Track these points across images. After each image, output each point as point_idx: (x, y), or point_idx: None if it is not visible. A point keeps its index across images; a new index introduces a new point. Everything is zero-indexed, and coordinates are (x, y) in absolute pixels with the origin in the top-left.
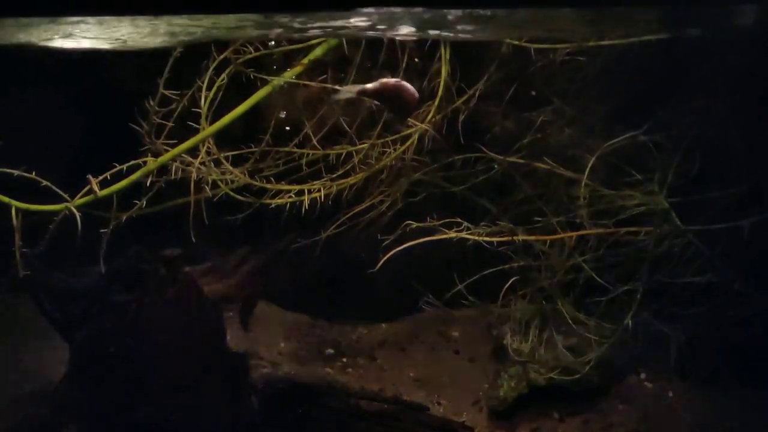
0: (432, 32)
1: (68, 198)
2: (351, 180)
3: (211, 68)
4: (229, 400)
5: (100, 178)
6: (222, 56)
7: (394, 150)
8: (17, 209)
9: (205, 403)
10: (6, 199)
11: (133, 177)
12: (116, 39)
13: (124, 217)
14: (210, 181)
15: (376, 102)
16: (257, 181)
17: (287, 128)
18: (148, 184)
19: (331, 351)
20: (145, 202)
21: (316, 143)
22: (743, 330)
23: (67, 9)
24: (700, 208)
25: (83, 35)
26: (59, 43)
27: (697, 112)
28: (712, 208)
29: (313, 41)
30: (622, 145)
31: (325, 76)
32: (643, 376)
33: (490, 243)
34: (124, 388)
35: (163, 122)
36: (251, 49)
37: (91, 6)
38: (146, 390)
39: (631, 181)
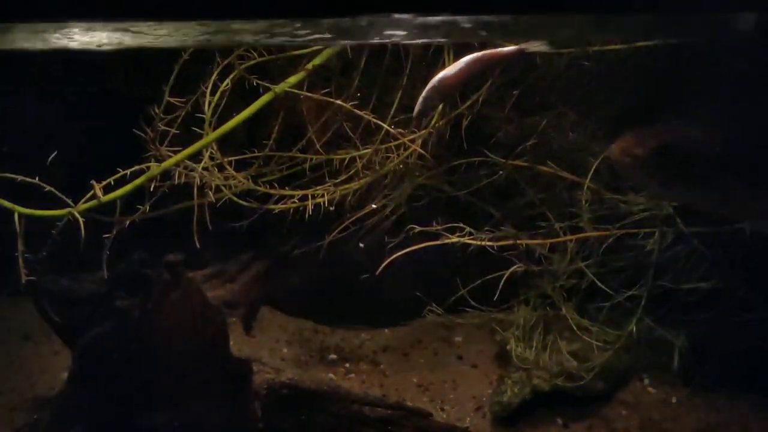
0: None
1: (71, 203)
2: (354, 185)
3: (215, 73)
4: (231, 406)
5: (104, 183)
6: (226, 61)
7: (398, 155)
8: (20, 214)
9: (207, 409)
10: (9, 204)
11: (137, 182)
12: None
13: (128, 222)
14: (213, 187)
15: None
16: (261, 186)
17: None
18: (151, 189)
19: (333, 356)
20: (148, 208)
21: (319, 148)
22: (747, 336)
23: (75, 14)
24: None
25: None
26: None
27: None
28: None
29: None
30: None
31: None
32: (646, 381)
33: (493, 248)
34: (126, 393)
35: (167, 128)
36: (255, 54)
37: (101, 11)
38: (149, 395)
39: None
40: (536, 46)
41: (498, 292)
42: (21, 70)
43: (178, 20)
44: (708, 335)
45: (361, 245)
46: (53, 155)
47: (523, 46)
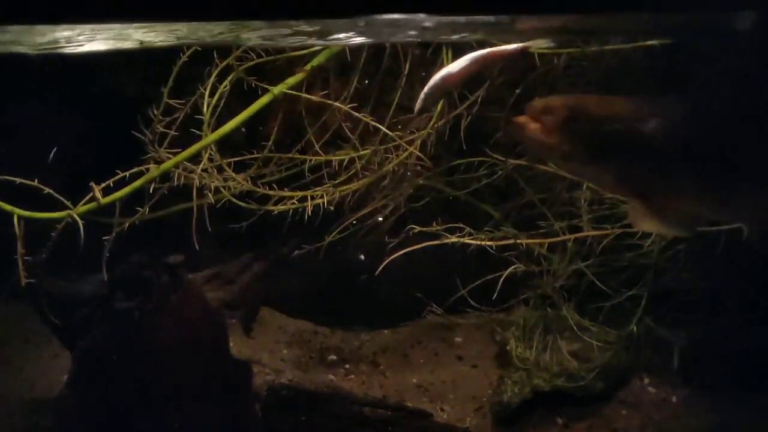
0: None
1: (71, 205)
2: (353, 186)
3: (214, 75)
4: (232, 408)
5: (103, 185)
6: (224, 63)
7: (397, 156)
8: (19, 217)
9: (207, 411)
10: (8, 207)
11: (136, 184)
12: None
13: (127, 224)
14: (213, 188)
15: None
16: (260, 187)
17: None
18: (150, 191)
19: (333, 357)
20: (147, 209)
21: (318, 149)
22: (747, 335)
23: (69, 16)
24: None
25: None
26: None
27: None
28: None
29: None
30: None
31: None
32: (646, 381)
33: (493, 248)
34: (126, 396)
35: (166, 130)
36: (253, 55)
37: (100, 12)
38: (149, 398)
39: None
40: (538, 45)
41: (498, 293)
42: (18, 71)
43: (178, 21)
44: (708, 335)
45: (362, 257)
46: (52, 153)
47: (525, 44)
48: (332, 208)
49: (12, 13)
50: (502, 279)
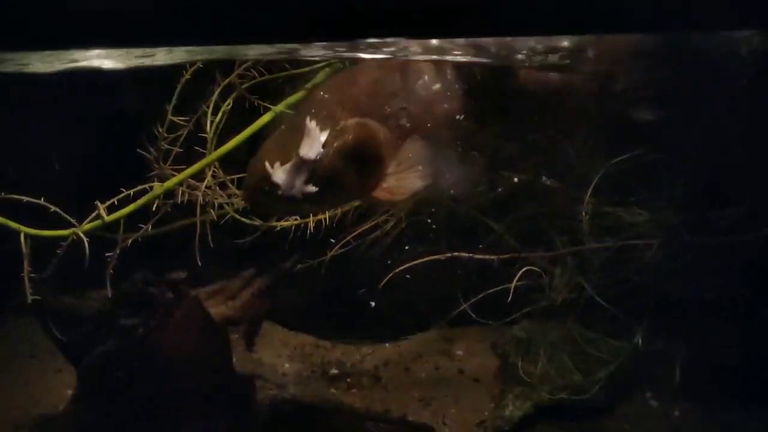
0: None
1: (76, 223)
2: (355, 201)
3: (216, 92)
4: (235, 423)
5: (108, 203)
6: (226, 81)
7: None
8: (25, 234)
9: (211, 426)
10: (15, 225)
11: (140, 202)
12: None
13: (130, 241)
14: (216, 204)
15: None
16: None
17: None
18: (154, 208)
19: (335, 371)
20: (151, 226)
21: None
22: (750, 347)
23: (76, 42)
24: (704, 224)
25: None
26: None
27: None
28: (716, 224)
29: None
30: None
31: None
32: (648, 394)
33: (494, 261)
34: (130, 411)
35: (170, 147)
36: (255, 73)
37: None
38: (152, 413)
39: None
40: None
41: (499, 306)
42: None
43: (187, 46)
44: (710, 348)
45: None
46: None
47: None
48: (334, 223)
49: (21, 40)
50: (511, 293)
